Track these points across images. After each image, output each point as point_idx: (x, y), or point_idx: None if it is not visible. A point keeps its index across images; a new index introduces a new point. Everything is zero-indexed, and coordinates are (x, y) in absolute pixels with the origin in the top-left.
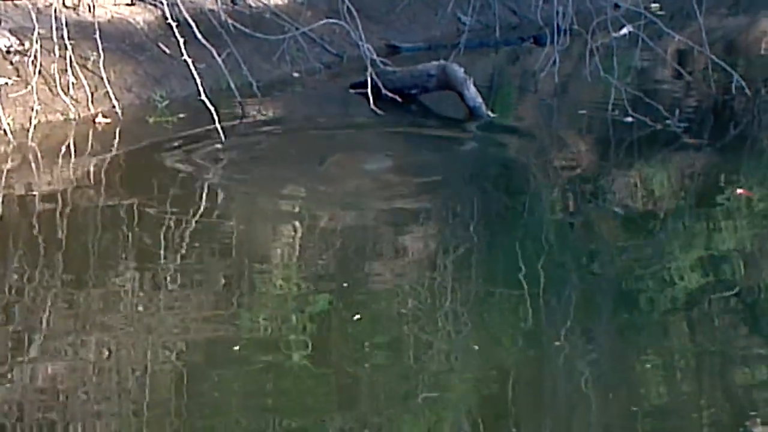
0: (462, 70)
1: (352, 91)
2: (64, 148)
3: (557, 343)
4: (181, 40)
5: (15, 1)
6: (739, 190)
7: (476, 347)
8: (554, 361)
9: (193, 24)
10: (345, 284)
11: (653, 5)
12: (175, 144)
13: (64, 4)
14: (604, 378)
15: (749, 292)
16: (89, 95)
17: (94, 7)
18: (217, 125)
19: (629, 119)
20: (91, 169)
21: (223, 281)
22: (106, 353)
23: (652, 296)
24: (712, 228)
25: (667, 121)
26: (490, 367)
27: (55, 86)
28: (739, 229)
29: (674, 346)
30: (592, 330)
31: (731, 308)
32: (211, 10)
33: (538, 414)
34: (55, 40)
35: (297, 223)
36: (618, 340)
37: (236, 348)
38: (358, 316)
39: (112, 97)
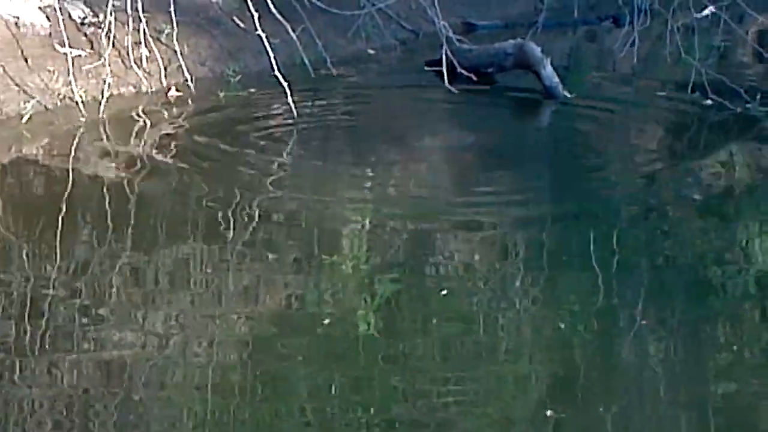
0: (539, 49)
1: (427, 68)
2: (135, 121)
3: (630, 329)
4: (256, 15)
5: None
6: None
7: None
8: (626, 348)
9: None
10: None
11: None
12: (247, 119)
13: None
14: (675, 363)
15: None
16: (162, 68)
17: None
18: (290, 101)
19: (709, 102)
20: (162, 141)
21: (293, 255)
22: (174, 325)
23: (727, 283)
24: None
25: (748, 105)
26: (564, 343)
27: (128, 59)
28: None
29: (747, 333)
30: (666, 315)
31: None
32: None
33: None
34: (129, 12)
35: (368, 204)
36: (691, 326)
37: (325, 321)
38: (444, 292)
39: (185, 70)
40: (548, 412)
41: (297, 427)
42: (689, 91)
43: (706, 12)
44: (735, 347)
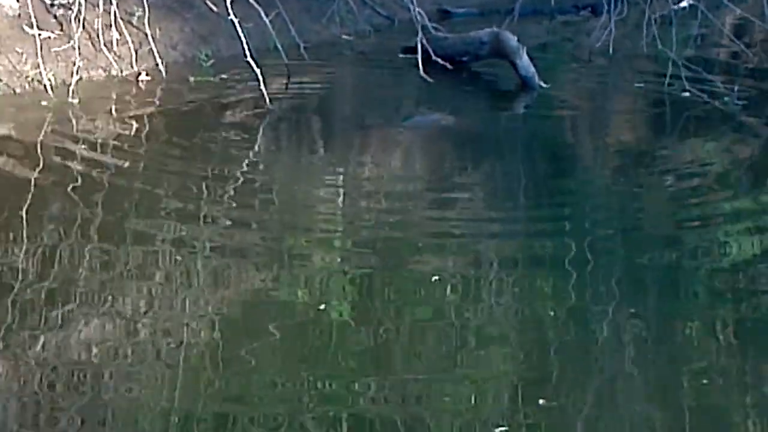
0: (515, 38)
1: (401, 55)
2: (105, 105)
3: (608, 318)
4: None
5: None
6: None
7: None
8: (607, 337)
9: None
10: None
11: None
12: (218, 104)
13: None
14: (647, 347)
15: None
16: (133, 52)
17: None
18: (262, 86)
19: (686, 94)
20: (131, 126)
21: (265, 241)
22: (143, 309)
23: (699, 272)
24: (760, 205)
25: (725, 98)
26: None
27: (99, 42)
28: None
29: (720, 317)
30: (641, 304)
31: None
32: None
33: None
34: None
35: (339, 189)
36: (664, 314)
37: (321, 307)
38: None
39: (156, 54)
40: (541, 401)
41: (265, 418)
42: (666, 82)
43: (683, 3)
44: (708, 336)
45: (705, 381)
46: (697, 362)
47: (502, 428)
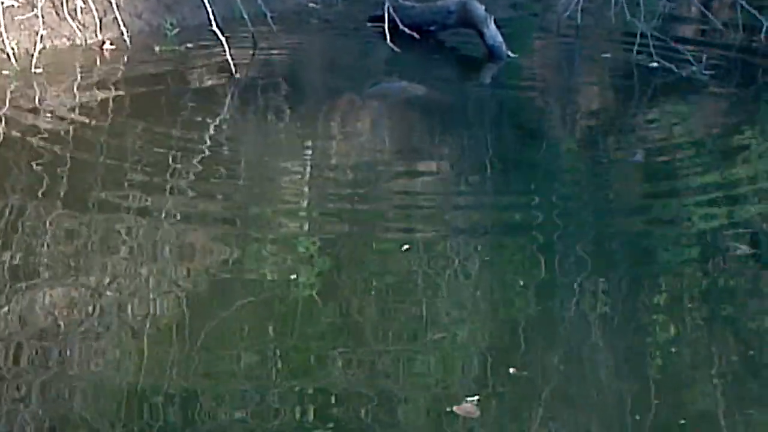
0: (483, 7)
1: (369, 24)
2: (69, 75)
3: (575, 289)
4: None
5: None
6: None
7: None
8: (574, 307)
9: None
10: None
11: None
12: (184, 73)
13: None
14: (615, 316)
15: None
16: (97, 21)
17: None
18: (228, 55)
19: (654, 65)
20: (95, 96)
21: (227, 210)
22: (107, 281)
23: (666, 243)
24: (729, 177)
25: (693, 68)
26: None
27: (62, 10)
28: (759, 179)
29: (687, 288)
30: (607, 275)
31: (746, 254)
32: None
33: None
34: None
35: (306, 159)
36: (632, 284)
37: (292, 277)
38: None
39: (121, 23)
40: (511, 370)
41: (232, 392)
42: (634, 53)
43: None
44: (675, 305)
45: (673, 350)
46: (664, 331)
47: (474, 398)
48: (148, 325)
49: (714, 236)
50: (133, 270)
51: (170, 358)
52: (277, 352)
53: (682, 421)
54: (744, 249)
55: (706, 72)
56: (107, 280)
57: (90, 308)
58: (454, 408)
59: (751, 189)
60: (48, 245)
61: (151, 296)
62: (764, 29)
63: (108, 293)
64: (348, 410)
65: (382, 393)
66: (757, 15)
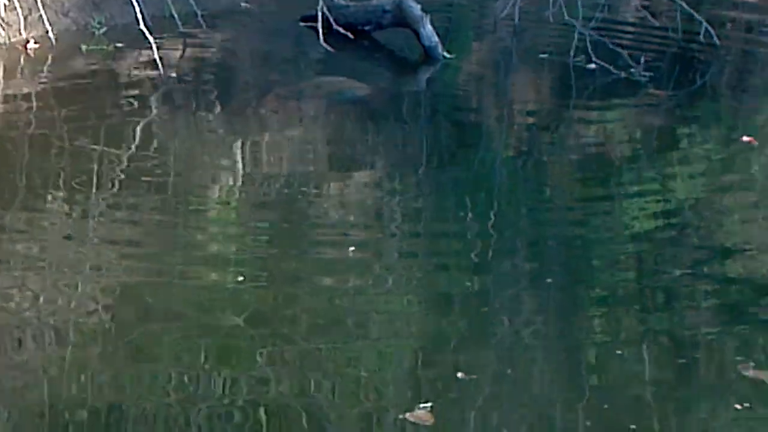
0: (419, 7)
1: (302, 24)
2: None
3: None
4: None
5: None
6: (745, 138)
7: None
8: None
9: None
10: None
11: None
12: (112, 73)
13: None
14: (553, 324)
15: (699, 236)
16: (21, 18)
17: None
18: (156, 56)
19: (592, 66)
20: (19, 96)
21: (157, 214)
22: (32, 284)
23: (601, 242)
24: (663, 177)
25: (632, 70)
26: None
27: None
28: (693, 179)
29: (625, 287)
30: (543, 275)
31: (683, 254)
32: None
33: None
34: None
35: (237, 163)
36: (571, 287)
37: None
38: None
39: (46, 21)
40: (459, 374)
41: (158, 390)
42: (572, 54)
43: None
44: (612, 300)
45: (618, 352)
46: (604, 329)
47: (427, 404)
48: (69, 328)
49: (649, 237)
50: (61, 272)
51: (90, 372)
52: (217, 359)
53: (633, 426)
54: (677, 249)
55: (645, 74)
56: (32, 276)
57: (17, 315)
58: (407, 415)
59: (685, 188)
60: None
61: (73, 297)
62: (703, 31)
63: (29, 295)
64: (296, 421)
65: (327, 401)
66: (696, 16)
